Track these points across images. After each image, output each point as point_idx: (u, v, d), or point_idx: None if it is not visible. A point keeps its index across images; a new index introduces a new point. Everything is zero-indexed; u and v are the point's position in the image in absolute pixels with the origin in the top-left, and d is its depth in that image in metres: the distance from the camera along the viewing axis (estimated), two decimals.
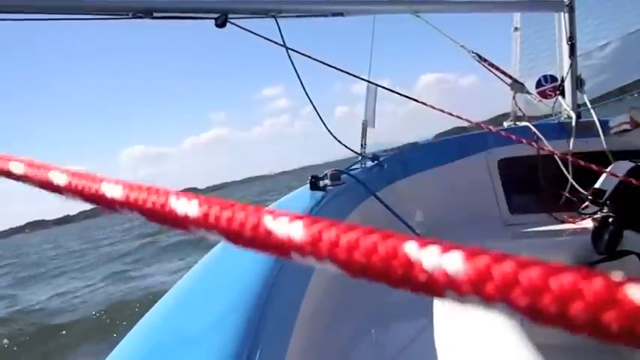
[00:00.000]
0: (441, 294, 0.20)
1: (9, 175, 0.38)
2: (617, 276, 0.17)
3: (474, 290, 0.19)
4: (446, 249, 0.20)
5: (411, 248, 0.20)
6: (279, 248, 0.24)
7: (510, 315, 0.18)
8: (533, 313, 0.17)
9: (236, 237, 0.26)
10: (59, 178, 0.35)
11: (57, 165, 0.37)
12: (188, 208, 0.28)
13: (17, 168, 0.38)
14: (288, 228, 0.24)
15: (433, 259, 0.19)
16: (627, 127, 2.24)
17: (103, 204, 0.33)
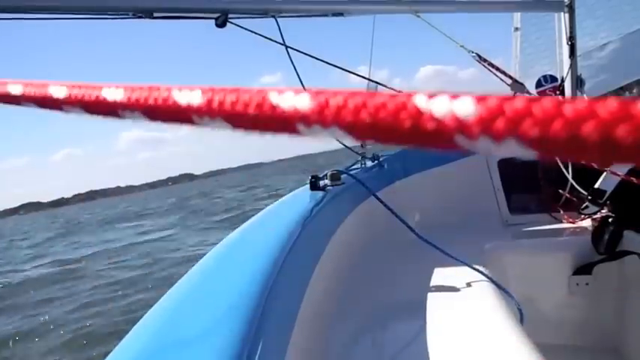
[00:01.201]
0: (450, 140, 0.19)
1: (7, 98, 0.37)
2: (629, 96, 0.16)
3: (484, 130, 0.18)
4: (456, 96, 0.19)
5: (420, 100, 0.20)
6: (285, 122, 0.24)
7: (521, 151, 0.18)
8: (544, 143, 0.17)
9: (241, 119, 0.25)
10: (59, 92, 0.34)
11: (54, 81, 0.35)
12: (191, 97, 0.27)
13: (15, 89, 0.37)
14: (295, 100, 0.23)
15: (443, 105, 0.19)
16: None
17: (105, 110, 0.32)
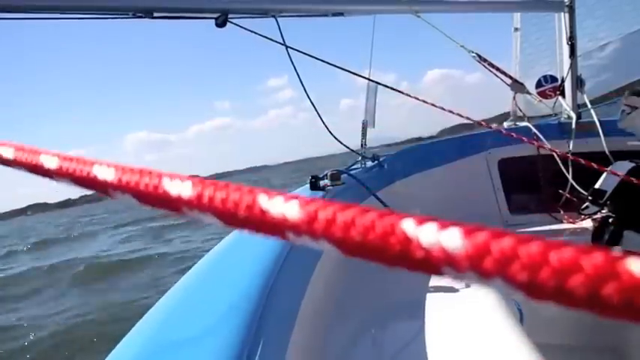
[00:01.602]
0: (438, 271, 0.19)
1: None
2: (616, 251, 0.16)
3: (472, 266, 0.18)
4: (444, 226, 0.19)
5: (408, 225, 0.20)
6: (274, 228, 0.24)
7: (508, 291, 0.18)
8: (532, 288, 0.17)
9: (231, 218, 0.25)
10: (50, 162, 0.34)
11: (46, 149, 0.36)
12: (182, 189, 0.27)
13: (6, 152, 0.37)
14: (284, 207, 0.23)
15: (431, 235, 0.19)
16: (626, 109, 2.25)
17: (95, 187, 0.32)
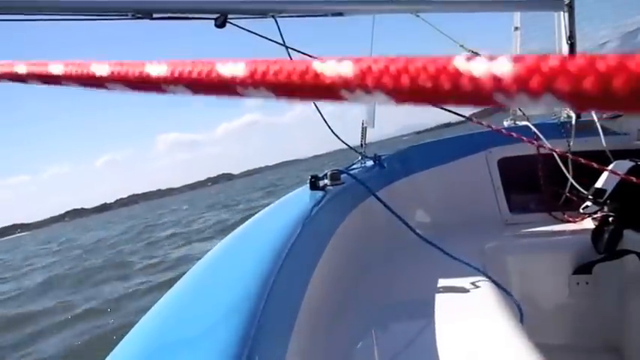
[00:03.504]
0: (489, 99, 0.20)
1: (49, 78, 0.37)
2: None
3: (521, 87, 0.19)
4: (493, 58, 0.20)
5: (459, 62, 0.21)
6: (329, 89, 0.24)
7: (557, 105, 0.19)
8: (579, 99, 0.18)
9: (286, 88, 0.26)
10: (101, 70, 0.34)
11: (95, 60, 0.35)
12: (234, 70, 0.28)
13: (56, 69, 0.37)
14: (337, 67, 0.24)
15: (482, 66, 0.20)
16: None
17: (149, 86, 0.32)
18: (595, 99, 0.18)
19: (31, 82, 0.39)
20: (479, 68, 0.20)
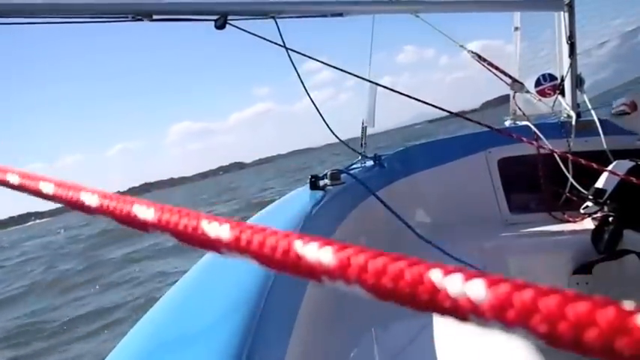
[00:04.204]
0: (464, 319, 0.21)
1: (38, 194, 0.39)
2: (629, 305, 0.18)
3: (495, 316, 0.20)
4: (469, 277, 0.21)
5: (436, 275, 0.21)
6: (310, 273, 0.25)
7: (530, 340, 0.19)
8: (551, 340, 0.19)
9: (268, 261, 0.27)
10: (90, 200, 0.35)
11: (86, 186, 0.37)
12: (220, 231, 0.29)
13: (47, 188, 0.38)
14: (318, 253, 0.24)
15: (457, 286, 0.21)
16: (626, 109, 2.25)
17: (135, 225, 0.33)
18: (568, 346, 0.18)
19: (20, 192, 0.40)
20: (454, 287, 0.21)
